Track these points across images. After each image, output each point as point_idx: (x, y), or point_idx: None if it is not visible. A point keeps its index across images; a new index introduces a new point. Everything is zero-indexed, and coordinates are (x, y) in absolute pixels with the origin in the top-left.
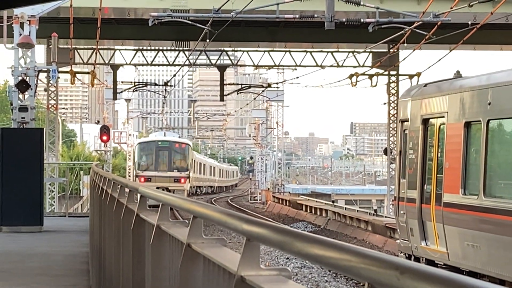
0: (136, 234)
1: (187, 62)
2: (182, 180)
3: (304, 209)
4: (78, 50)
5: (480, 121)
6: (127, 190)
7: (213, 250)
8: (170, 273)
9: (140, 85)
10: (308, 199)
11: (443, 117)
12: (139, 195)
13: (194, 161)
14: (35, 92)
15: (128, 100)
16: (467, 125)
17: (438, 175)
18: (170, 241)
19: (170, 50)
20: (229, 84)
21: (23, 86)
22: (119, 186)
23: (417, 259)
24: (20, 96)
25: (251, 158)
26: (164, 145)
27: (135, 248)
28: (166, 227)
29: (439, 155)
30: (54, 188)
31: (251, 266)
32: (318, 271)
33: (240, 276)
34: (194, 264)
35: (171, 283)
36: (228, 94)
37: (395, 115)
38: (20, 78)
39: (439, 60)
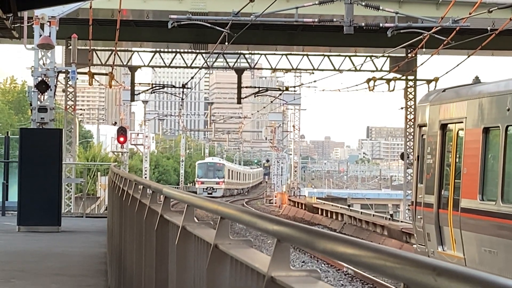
0: (160, 234)
1: (204, 65)
2: (220, 183)
3: (319, 213)
4: (96, 52)
5: (498, 127)
6: (149, 191)
7: (241, 251)
8: (196, 274)
9: (158, 87)
10: (324, 203)
11: (462, 122)
12: (162, 196)
13: (232, 172)
14: (55, 93)
15: (145, 102)
16: (486, 131)
17: (456, 181)
18: (195, 241)
19: (188, 52)
20: (246, 87)
21: (42, 86)
22: (141, 187)
23: None
24: (40, 96)
25: (267, 161)
26: (211, 164)
27: (159, 248)
28: (192, 228)
29: (457, 161)
30: (71, 188)
31: (281, 266)
32: (334, 274)
33: (270, 277)
34: (221, 264)
35: (197, 283)
36: (246, 97)
37: (412, 120)
38: (39, 78)
39: (457, 65)
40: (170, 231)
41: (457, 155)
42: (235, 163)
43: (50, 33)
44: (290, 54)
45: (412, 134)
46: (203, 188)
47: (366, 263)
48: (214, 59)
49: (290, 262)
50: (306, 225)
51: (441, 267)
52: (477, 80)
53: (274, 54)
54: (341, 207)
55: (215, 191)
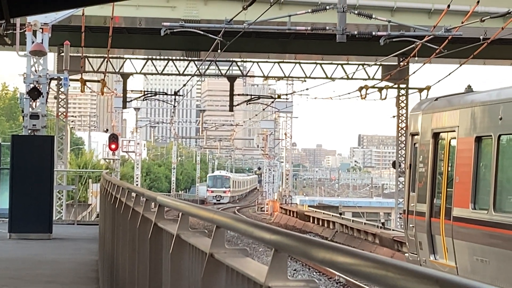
0: (154, 243)
1: (197, 72)
2: (226, 192)
3: (311, 221)
4: (89, 58)
5: (491, 136)
6: (143, 199)
7: (237, 260)
8: (190, 283)
9: (150, 94)
10: (315, 211)
11: (454, 131)
12: (155, 204)
13: (235, 182)
14: (47, 99)
15: (137, 109)
16: (478, 139)
17: (448, 189)
18: (190, 250)
19: (180, 59)
20: (238, 94)
21: (34, 93)
22: (135, 195)
23: None
24: (32, 103)
25: (259, 168)
26: (219, 176)
27: (152, 257)
28: (186, 236)
29: (449, 169)
30: (62, 195)
31: (279, 277)
32: (326, 283)
33: (267, 287)
34: (217, 274)
35: None
36: (238, 105)
37: (404, 128)
38: (32, 85)
39: (449, 74)
40: (164, 240)
41: (450, 164)
42: (227, 170)
43: (42, 40)
44: (283, 62)
45: (404, 142)
46: (213, 196)
47: (366, 274)
48: (206, 67)
49: (287, 272)
50: (304, 235)
51: (443, 279)
52: (469, 89)
53: (267, 62)
54: (332, 215)
55: (222, 198)
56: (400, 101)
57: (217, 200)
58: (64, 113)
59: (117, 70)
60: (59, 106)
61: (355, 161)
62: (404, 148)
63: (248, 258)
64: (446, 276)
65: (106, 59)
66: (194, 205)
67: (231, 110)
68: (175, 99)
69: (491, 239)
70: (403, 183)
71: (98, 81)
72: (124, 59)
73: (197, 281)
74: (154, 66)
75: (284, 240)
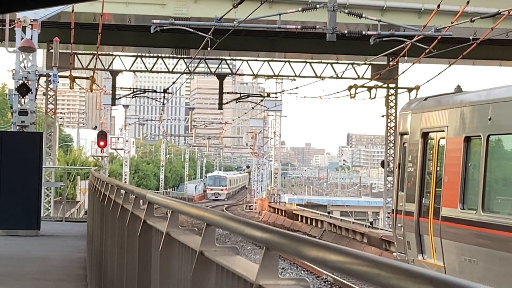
0: (143, 240)
1: (186, 70)
2: (223, 189)
3: (299, 220)
4: (78, 55)
5: (480, 136)
6: (132, 196)
7: (227, 258)
8: (180, 281)
9: (139, 92)
10: (304, 210)
11: (443, 131)
12: (145, 202)
13: (231, 180)
14: (35, 96)
15: (126, 106)
16: (467, 139)
17: (436, 189)
18: (180, 248)
19: (170, 57)
20: (227, 92)
21: (23, 90)
22: (124, 192)
23: None
24: (20, 99)
25: (248, 167)
26: (217, 176)
27: (141, 254)
28: (176, 234)
29: (438, 169)
30: (50, 192)
31: (270, 275)
32: (313, 282)
33: (258, 285)
34: (207, 272)
35: None
36: (227, 103)
37: (393, 128)
38: (21, 81)
39: (438, 74)
40: (153, 237)
41: (438, 164)
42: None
43: (32, 36)
44: (272, 60)
45: (393, 142)
46: (212, 193)
47: (359, 273)
48: (196, 65)
49: (278, 270)
50: (296, 234)
51: (438, 279)
52: (458, 89)
53: (256, 60)
54: (321, 214)
55: (220, 195)
56: (389, 101)
57: (215, 197)
58: (53, 110)
59: (106, 67)
60: (48, 102)
61: (344, 160)
62: (393, 147)
63: (238, 256)
64: (440, 276)
65: (95, 56)
66: (184, 202)
67: (220, 108)
68: (164, 97)
69: (479, 239)
70: (392, 182)
71: (87, 78)
72: (114, 56)
73: (187, 279)
74: (144, 64)
75: (276, 239)
